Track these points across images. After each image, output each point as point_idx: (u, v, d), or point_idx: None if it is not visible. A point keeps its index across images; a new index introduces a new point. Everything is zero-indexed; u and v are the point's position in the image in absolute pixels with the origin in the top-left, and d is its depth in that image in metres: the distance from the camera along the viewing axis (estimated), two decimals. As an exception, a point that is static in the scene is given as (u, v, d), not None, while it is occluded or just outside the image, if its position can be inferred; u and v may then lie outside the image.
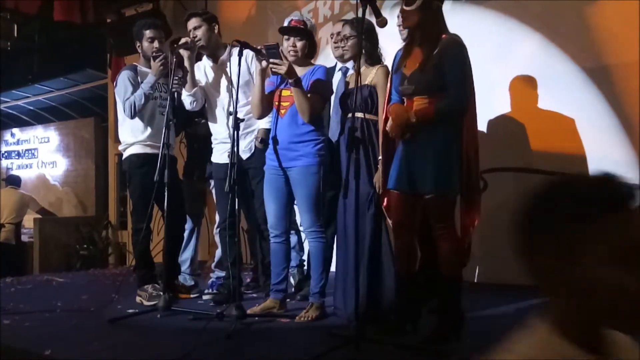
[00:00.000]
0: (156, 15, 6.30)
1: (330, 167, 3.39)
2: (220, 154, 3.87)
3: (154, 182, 3.45)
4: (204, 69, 3.90)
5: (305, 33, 3.38)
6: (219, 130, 3.86)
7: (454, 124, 2.74)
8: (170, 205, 3.53)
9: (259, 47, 3.33)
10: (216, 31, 3.86)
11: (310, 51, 3.45)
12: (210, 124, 3.94)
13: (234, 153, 3.25)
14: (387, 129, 2.89)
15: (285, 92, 3.37)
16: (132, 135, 4.01)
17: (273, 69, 3.25)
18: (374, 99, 3.25)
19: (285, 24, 3.51)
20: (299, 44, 3.36)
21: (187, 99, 3.81)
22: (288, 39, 3.39)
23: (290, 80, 3.25)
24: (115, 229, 8.51)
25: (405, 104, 2.85)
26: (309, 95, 3.28)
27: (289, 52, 3.36)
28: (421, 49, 2.78)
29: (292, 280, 4.15)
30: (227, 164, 3.77)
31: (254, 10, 6.25)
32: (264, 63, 3.26)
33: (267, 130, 3.69)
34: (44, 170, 11.05)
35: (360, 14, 2.87)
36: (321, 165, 3.30)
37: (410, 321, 2.94)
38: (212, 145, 3.96)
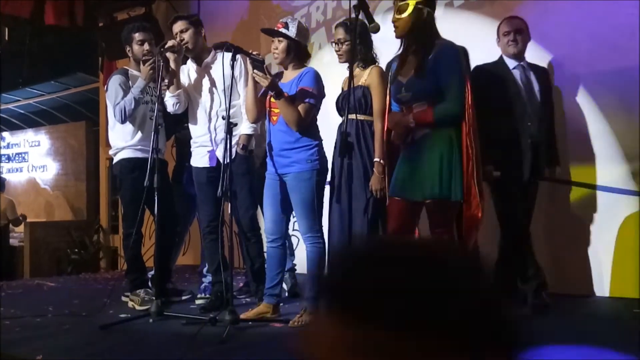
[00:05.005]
0: (148, 19, 6.29)
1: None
2: (200, 157, 3.85)
3: (145, 186, 3.44)
4: (187, 72, 3.90)
5: (284, 35, 3.33)
6: (199, 133, 3.84)
7: (453, 128, 2.75)
8: (161, 209, 3.52)
9: (251, 52, 3.33)
10: (202, 35, 3.86)
11: (298, 54, 3.41)
12: (190, 125, 3.92)
13: (226, 156, 3.24)
14: (391, 139, 2.90)
15: (273, 99, 3.38)
16: (122, 140, 4.00)
17: (257, 80, 3.28)
18: (368, 99, 3.25)
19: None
20: (280, 46, 3.35)
21: (170, 100, 3.80)
22: (273, 41, 3.40)
23: (271, 93, 3.28)
24: (107, 233, 8.47)
25: (404, 113, 2.86)
26: (296, 103, 3.27)
27: (273, 54, 3.39)
28: (416, 56, 2.80)
29: (284, 286, 4.15)
30: (207, 167, 3.78)
31: (247, 14, 6.25)
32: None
33: (249, 136, 3.70)
34: (35, 174, 10.98)
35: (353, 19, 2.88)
36: (314, 170, 3.30)
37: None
38: (192, 149, 3.92)
